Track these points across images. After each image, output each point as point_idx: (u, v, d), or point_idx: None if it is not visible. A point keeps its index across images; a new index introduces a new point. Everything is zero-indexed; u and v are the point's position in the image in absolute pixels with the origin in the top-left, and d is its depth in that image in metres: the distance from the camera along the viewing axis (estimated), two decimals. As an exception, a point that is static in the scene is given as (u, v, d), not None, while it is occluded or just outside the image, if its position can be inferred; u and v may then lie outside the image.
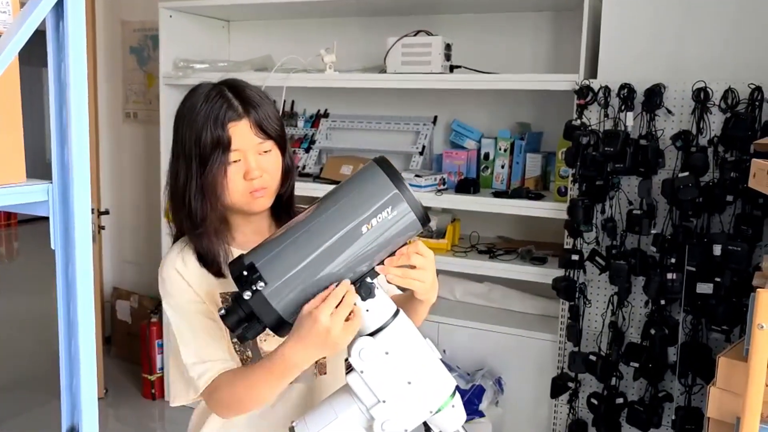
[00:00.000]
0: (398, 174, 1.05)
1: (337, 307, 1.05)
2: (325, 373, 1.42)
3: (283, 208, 1.39)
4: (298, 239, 1.06)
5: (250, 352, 1.35)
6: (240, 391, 1.23)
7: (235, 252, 1.31)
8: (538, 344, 2.79)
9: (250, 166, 1.27)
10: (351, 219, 1.04)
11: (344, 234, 1.04)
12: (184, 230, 1.33)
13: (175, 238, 1.39)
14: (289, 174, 1.36)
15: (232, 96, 1.27)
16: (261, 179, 1.28)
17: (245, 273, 1.05)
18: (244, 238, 1.35)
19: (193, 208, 1.27)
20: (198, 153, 1.25)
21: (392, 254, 1.10)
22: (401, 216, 1.05)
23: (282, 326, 1.08)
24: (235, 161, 1.26)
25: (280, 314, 1.06)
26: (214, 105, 1.26)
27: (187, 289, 1.31)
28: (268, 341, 1.34)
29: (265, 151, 1.29)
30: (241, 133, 1.26)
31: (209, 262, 1.31)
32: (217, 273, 1.31)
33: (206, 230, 1.29)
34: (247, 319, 1.08)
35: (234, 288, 1.19)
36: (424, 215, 1.06)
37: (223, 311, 1.10)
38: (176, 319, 1.32)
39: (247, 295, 1.05)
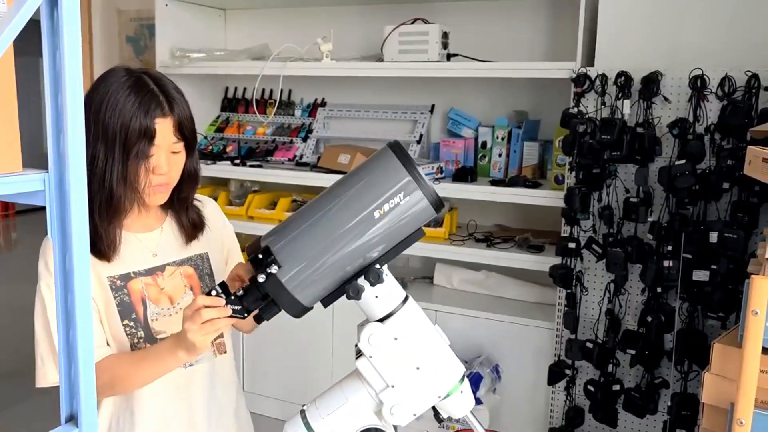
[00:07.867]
0: (411, 159, 1.05)
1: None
2: (225, 352, 1.52)
3: (178, 204, 1.45)
4: (312, 224, 1.07)
5: (142, 332, 1.39)
6: (128, 371, 1.31)
7: (125, 235, 1.39)
8: (536, 332, 2.81)
9: (160, 163, 1.33)
10: (363, 204, 1.04)
11: (357, 219, 1.04)
12: (95, 211, 1.31)
13: None
14: (191, 177, 1.42)
15: (158, 91, 1.32)
16: (166, 176, 1.35)
17: (260, 256, 1.07)
18: (130, 222, 1.42)
19: (116, 194, 1.30)
20: (123, 140, 1.28)
21: (403, 241, 1.08)
22: (414, 202, 1.04)
23: (295, 308, 1.08)
24: (150, 156, 1.32)
25: (294, 296, 1.06)
26: (144, 96, 1.30)
27: None
28: (158, 321, 1.40)
29: (175, 152, 1.36)
30: (163, 130, 1.32)
31: (107, 244, 1.34)
32: (108, 257, 1.35)
33: (124, 216, 1.36)
34: (263, 299, 1.11)
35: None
36: (438, 201, 1.05)
37: (241, 291, 1.12)
38: (52, 299, 1.29)
39: (261, 277, 1.06)
